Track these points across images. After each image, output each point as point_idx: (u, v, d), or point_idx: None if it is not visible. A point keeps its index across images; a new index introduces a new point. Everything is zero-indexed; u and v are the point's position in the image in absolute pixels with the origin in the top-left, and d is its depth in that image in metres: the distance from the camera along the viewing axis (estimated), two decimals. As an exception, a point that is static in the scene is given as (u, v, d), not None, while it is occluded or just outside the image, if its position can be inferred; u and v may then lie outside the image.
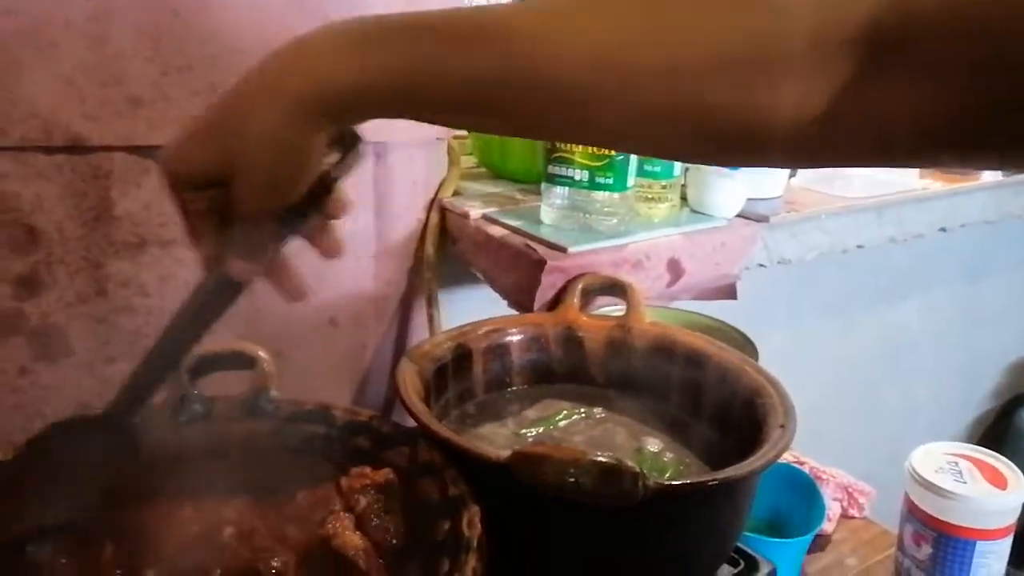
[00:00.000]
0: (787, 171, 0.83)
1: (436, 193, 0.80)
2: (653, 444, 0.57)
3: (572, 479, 0.38)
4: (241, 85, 0.39)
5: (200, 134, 0.39)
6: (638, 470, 0.38)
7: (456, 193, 0.81)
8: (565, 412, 0.61)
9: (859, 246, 0.86)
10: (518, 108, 0.36)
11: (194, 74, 0.64)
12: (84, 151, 0.61)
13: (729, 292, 0.81)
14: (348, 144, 0.41)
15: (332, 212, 0.43)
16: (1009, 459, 0.64)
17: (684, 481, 0.42)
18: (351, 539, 0.43)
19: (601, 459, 0.38)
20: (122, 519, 0.47)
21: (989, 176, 0.96)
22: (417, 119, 0.39)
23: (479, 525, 0.40)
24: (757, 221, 0.77)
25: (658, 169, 0.74)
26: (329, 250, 0.45)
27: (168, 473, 0.50)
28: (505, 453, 0.42)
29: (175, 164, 0.40)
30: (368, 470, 0.47)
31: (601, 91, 0.33)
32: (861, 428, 1.30)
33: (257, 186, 0.38)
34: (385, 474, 0.46)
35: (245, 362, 0.53)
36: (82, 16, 0.59)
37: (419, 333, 0.83)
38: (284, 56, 0.38)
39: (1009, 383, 1.59)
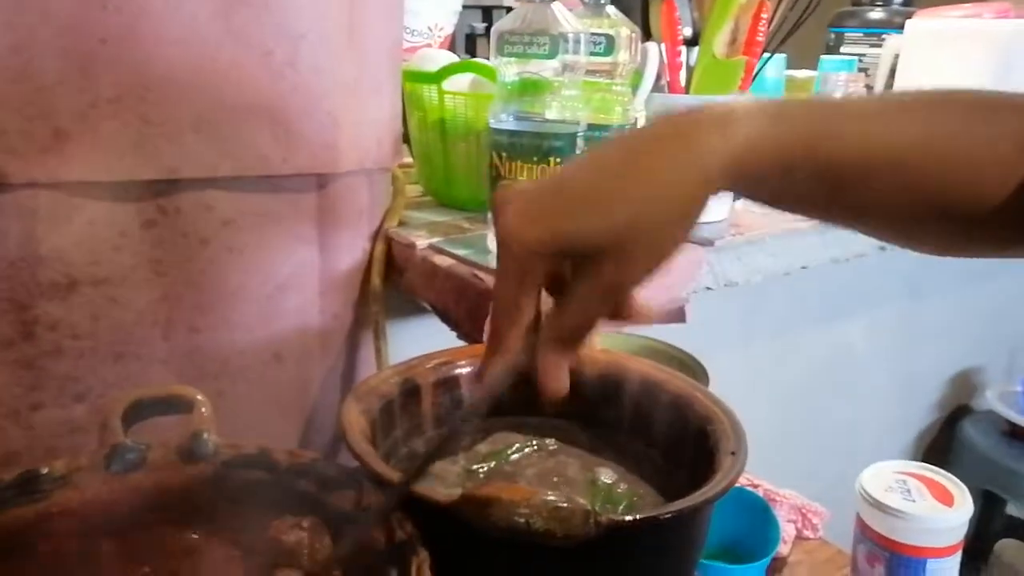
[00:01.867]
0: (731, 194, 0.84)
1: (381, 223, 0.78)
2: (607, 475, 0.56)
3: (523, 520, 0.37)
4: (640, 144, 0.38)
5: (578, 196, 0.37)
6: (589, 508, 0.37)
7: (402, 223, 0.80)
8: (517, 445, 0.60)
9: (803, 267, 0.87)
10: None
11: (125, 105, 0.61)
12: (6, 188, 0.58)
13: (679, 316, 0.81)
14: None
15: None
16: (954, 469, 0.65)
17: (635, 517, 0.41)
18: None
19: (551, 499, 0.37)
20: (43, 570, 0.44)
21: (924, 196, 0.99)
22: (802, 198, 0.40)
23: (428, 572, 0.39)
24: (702, 245, 0.78)
25: (604, 196, 0.74)
26: (643, 317, 0.42)
27: (102, 526, 0.48)
28: (453, 495, 0.41)
29: (537, 232, 0.36)
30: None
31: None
32: (811, 448, 1.31)
33: (652, 252, 0.36)
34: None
35: (182, 406, 0.51)
36: (4, 48, 0.56)
37: (367, 366, 0.81)
38: (690, 127, 0.37)
39: (951, 395, 1.64)
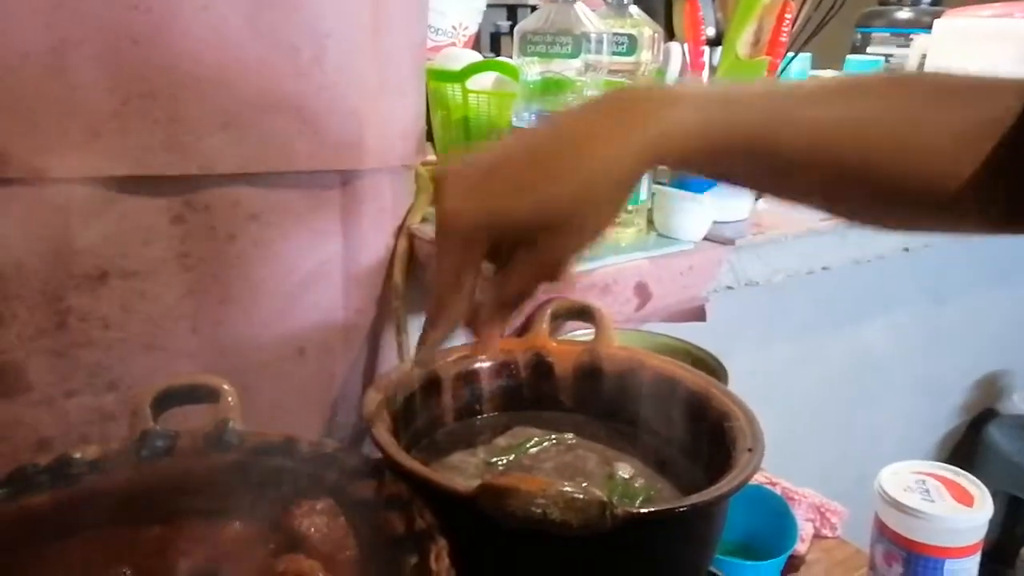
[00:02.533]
0: (753, 193, 0.84)
1: (404, 220, 0.79)
2: (624, 470, 0.57)
3: (539, 510, 0.38)
4: (574, 125, 0.39)
5: (513, 176, 0.38)
6: (606, 499, 0.38)
7: (425, 219, 0.81)
8: (536, 439, 0.61)
9: (824, 268, 0.87)
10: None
11: (155, 103, 0.63)
12: (42, 183, 0.60)
13: (698, 314, 0.81)
14: None
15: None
16: (980, 473, 0.65)
17: (652, 509, 0.42)
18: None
19: (568, 489, 0.38)
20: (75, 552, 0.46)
21: (949, 196, 0.98)
22: (733, 173, 0.41)
23: (447, 559, 0.39)
24: (723, 244, 0.78)
25: (625, 194, 0.74)
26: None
27: (131, 508, 0.49)
28: (472, 485, 0.42)
29: (471, 213, 0.38)
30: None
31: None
32: (831, 448, 1.31)
33: (587, 227, 0.38)
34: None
35: (208, 395, 0.52)
36: (41, 48, 0.58)
37: (389, 361, 0.82)
38: (629, 105, 0.38)
39: (976, 398, 1.61)
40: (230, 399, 0.51)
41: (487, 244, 0.39)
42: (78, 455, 0.49)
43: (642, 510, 0.41)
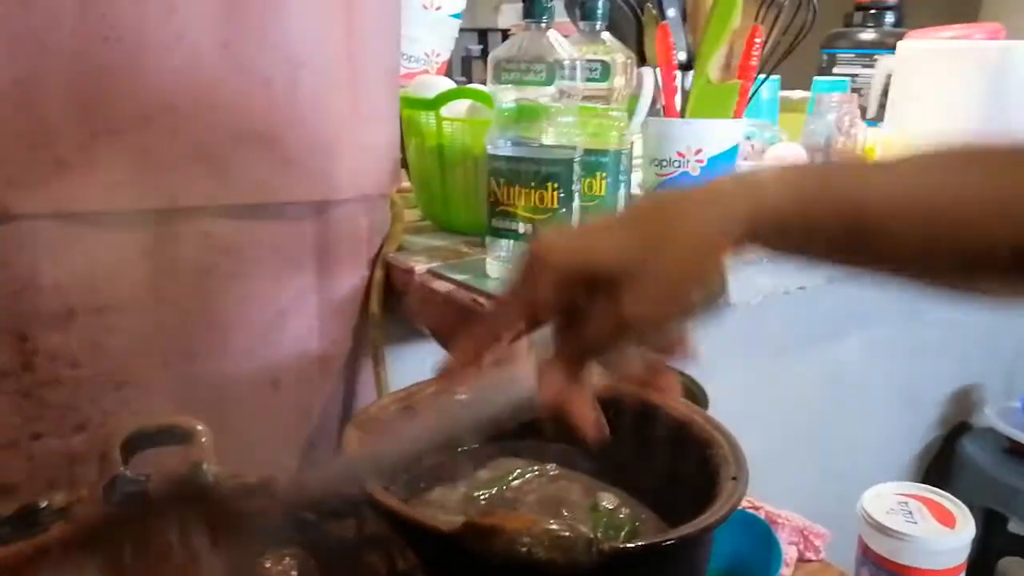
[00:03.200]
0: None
1: (380, 249, 0.79)
2: (608, 501, 0.56)
3: (524, 549, 0.37)
4: (672, 198, 0.40)
5: (609, 231, 0.39)
6: (591, 536, 0.37)
7: (400, 248, 0.80)
8: (518, 471, 0.60)
9: (801, 288, 0.88)
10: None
11: (126, 136, 0.62)
12: (8, 219, 0.59)
13: (677, 338, 0.81)
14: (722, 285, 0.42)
15: (667, 348, 0.43)
16: (955, 487, 0.65)
17: (637, 544, 0.41)
18: None
19: (553, 527, 0.37)
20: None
21: (919, 215, 0.99)
22: (830, 248, 0.41)
23: (430, 602, 0.38)
24: (701, 267, 0.78)
25: (601, 219, 0.74)
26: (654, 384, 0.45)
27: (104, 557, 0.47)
28: (455, 523, 0.41)
29: (566, 254, 0.39)
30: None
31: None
32: (812, 467, 1.31)
33: (662, 289, 0.38)
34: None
35: (181, 436, 0.51)
36: (5, 81, 0.57)
37: (366, 392, 0.81)
38: (726, 182, 0.40)
39: (950, 413, 1.63)
40: (204, 439, 0.50)
41: (561, 293, 0.39)
42: (44, 504, 0.47)
43: (628, 545, 0.40)
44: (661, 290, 0.38)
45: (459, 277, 0.72)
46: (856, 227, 0.39)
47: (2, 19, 0.56)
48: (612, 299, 0.38)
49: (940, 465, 1.61)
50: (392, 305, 0.78)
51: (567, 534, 0.37)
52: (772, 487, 0.83)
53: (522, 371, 0.41)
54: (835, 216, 0.39)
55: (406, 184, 0.90)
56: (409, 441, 0.45)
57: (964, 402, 1.64)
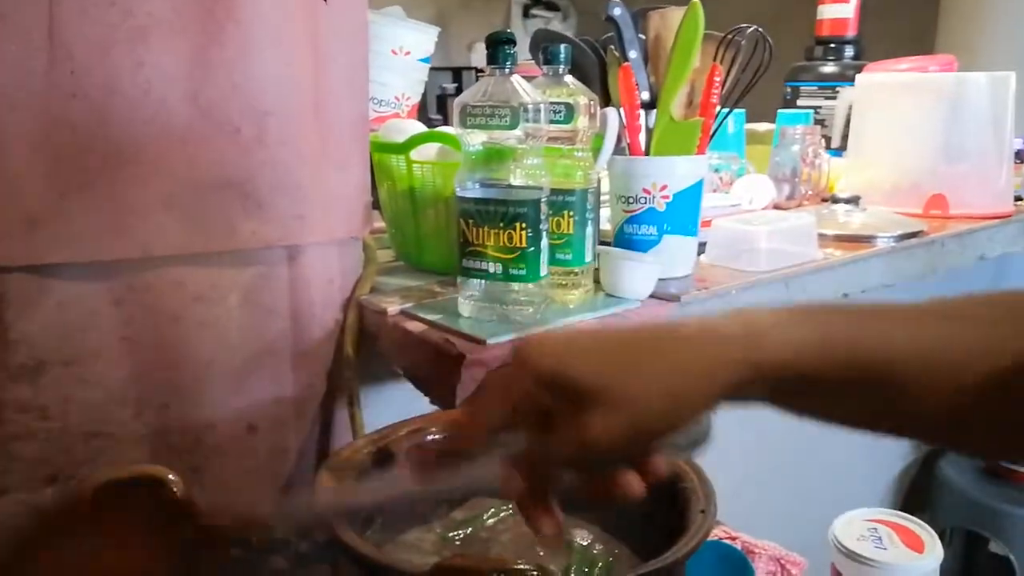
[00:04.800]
0: (694, 249, 0.86)
1: (353, 291, 0.79)
2: (582, 536, 0.56)
3: (494, 590, 0.37)
4: (667, 332, 0.39)
5: (595, 347, 0.39)
6: (557, 573, 0.38)
7: (374, 288, 0.81)
8: (493, 509, 0.60)
9: (770, 317, 0.89)
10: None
11: (96, 188, 0.62)
12: (-24, 274, 0.59)
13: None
14: (703, 430, 0.41)
15: (643, 471, 0.41)
16: (934, 510, 0.66)
17: (608, 581, 0.41)
18: None
19: (522, 567, 0.37)
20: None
21: (883, 243, 1.02)
22: (839, 401, 0.39)
23: (402, 647, 0.39)
24: (669, 300, 0.79)
25: (570, 256, 0.76)
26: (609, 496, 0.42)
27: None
28: (426, 566, 0.41)
29: (547, 359, 0.39)
30: None
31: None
32: (788, 494, 1.32)
33: (629, 423, 0.37)
34: None
35: (153, 485, 0.51)
36: (-26, 137, 0.57)
37: (342, 433, 0.81)
38: (725, 325, 0.38)
39: (927, 435, 1.65)
40: (176, 489, 0.50)
41: (538, 395, 0.39)
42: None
43: (598, 583, 0.41)
44: (628, 423, 0.37)
45: (431, 317, 0.72)
46: (870, 383, 0.37)
47: (-29, 78, 0.57)
48: (580, 417, 0.37)
49: (919, 489, 1.63)
50: (366, 346, 0.78)
51: (535, 573, 0.37)
52: (750, 514, 0.84)
53: (491, 461, 0.42)
54: (848, 366, 0.37)
55: (379, 224, 0.91)
56: (372, 495, 0.45)
57: (939, 424, 1.66)
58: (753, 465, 1.20)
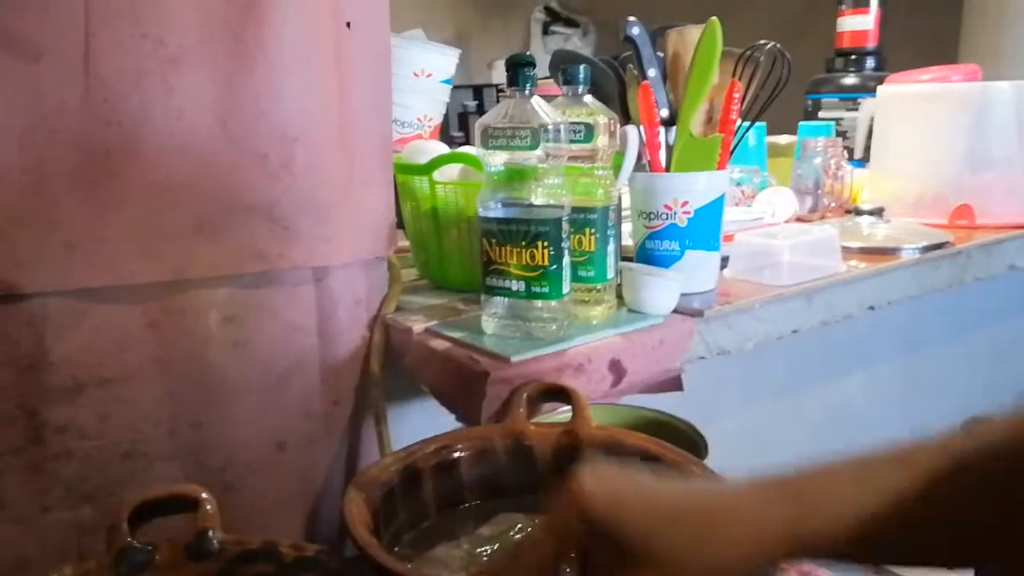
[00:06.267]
0: (717, 264, 0.87)
1: (379, 310, 0.81)
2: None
3: (521, 606, 0.38)
4: (721, 500, 0.40)
5: (648, 501, 0.39)
6: (586, 591, 0.38)
7: (399, 307, 0.82)
8: (520, 525, 0.60)
9: (794, 331, 0.89)
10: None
11: (130, 212, 0.64)
12: (16, 299, 0.61)
13: (675, 384, 0.82)
14: None
15: None
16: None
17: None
18: None
19: (548, 583, 0.38)
20: None
21: (908, 255, 1.01)
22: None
23: (432, 662, 0.39)
24: (692, 316, 0.80)
25: (592, 273, 0.76)
26: None
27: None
28: (454, 582, 0.42)
29: (599, 507, 0.39)
30: None
31: None
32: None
33: None
34: None
35: (187, 505, 0.52)
36: (15, 168, 0.59)
37: (370, 450, 0.82)
38: (778, 491, 0.39)
39: (958, 447, 1.62)
40: (209, 507, 0.51)
41: (590, 538, 0.40)
42: (55, 576, 0.48)
43: (623, 598, 0.41)
44: None
45: (456, 335, 0.73)
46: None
47: (16, 111, 0.59)
48: (625, 571, 0.38)
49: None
50: (392, 364, 0.79)
51: (562, 589, 0.38)
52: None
53: None
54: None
55: (404, 243, 0.93)
56: None
57: (971, 436, 1.63)
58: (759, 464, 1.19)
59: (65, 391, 0.64)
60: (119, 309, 0.66)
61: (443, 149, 0.87)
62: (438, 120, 1.10)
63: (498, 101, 1.70)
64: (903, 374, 1.44)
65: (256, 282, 0.71)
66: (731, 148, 0.84)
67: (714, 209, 0.83)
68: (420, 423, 0.79)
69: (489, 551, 0.58)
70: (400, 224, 0.89)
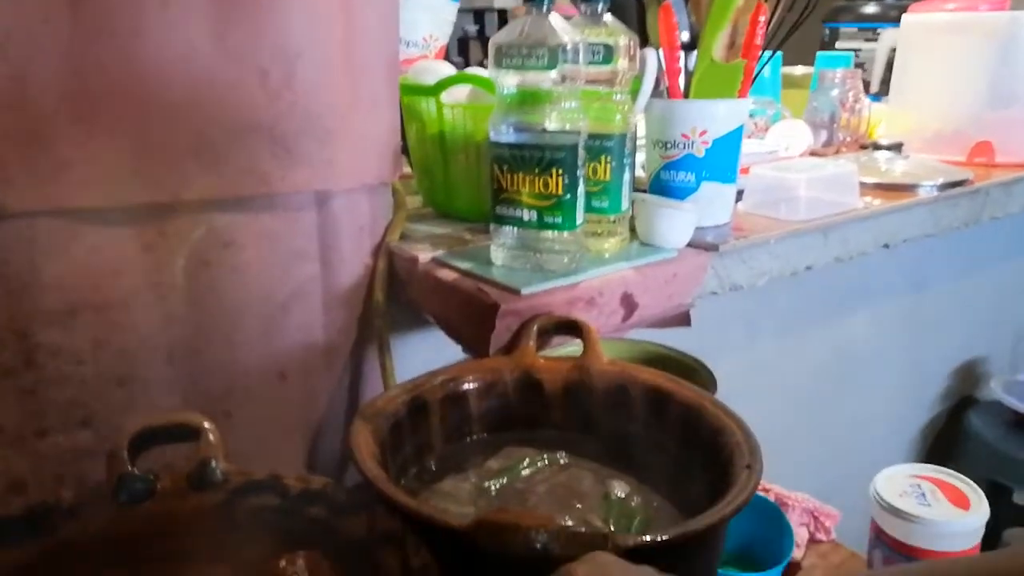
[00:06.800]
0: (733, 197, 0.84)
1: (383, 238, 0.78)
2: (620, 489, 0.56)
3: (540, 547, 0.37)
4: None
5: None
6: (607, 532, 0.37)
7: (403, 236, 0.80)
8: (528, 460, 0.59)
9: (808, 267, 0.87)
10: None
11: (123, 131, 0.61)
12: (5, 219, 0.58)
13: (683, 320, 0.80)
14: None
15: None
16: (961, 460, 0.65)
17: (654, 539, 0.40)
18: None
19: (569, 525, 0.37)
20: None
21: (925, 193, 0.98)
22: None
23: (445, 600, 0.38)
24: (706, 250, 0.77)
25: (606, 204, 0.73)
26: None
27: (108, 557, 0.47)
28: (468, 519, 0.40)
29: None
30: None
31: None
32: (818, 446, 1.31)
33: None
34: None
35: (188, 433, 0.50)
36: (1, 77, 0.56)
37: (372, 382, 0.81)
38: None
39: (955, 387, 1.63)
40: (211, 437, 0.50)
41: None
42: (53, 503, 0.47)
43: (645, 538, 0.40)
44: None
45: (464, 265, 0.71)
46: None
47: (-7, 13, 0.55)
48: None
49: (945, 439, 1.62)
50: (396, 294, 0.77)
51: (584, 531, 0.37)
52: (780, 464, 0.83)
53: None
54: None
55: (407, 171, 0.89)
56: None
57: (970, 376, 1.64)
58: (782, 418, 1.19)
59: (58, 314, 0.62)
60: (113, 232, 0.63)
61: (451, 70, 0.83)
62: (443, 41, 1.04)
63: (500, 27, 1.63)
64: (908, 314, 1.43)
65: (256, 206, 0.68)
66: (754, 75, 0.80)
67: (733, 139, 0.79)
68: (423, 354, 0.78)
69: (497, 485, 0.57)
70: (404, 151, 0.86)
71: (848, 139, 1.25)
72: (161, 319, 0.67)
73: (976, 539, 0.59)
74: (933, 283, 1.43)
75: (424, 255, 0.74)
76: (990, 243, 1.48)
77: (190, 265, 0.67)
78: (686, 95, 0.79)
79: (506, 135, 0.66)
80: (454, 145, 0.80)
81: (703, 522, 0.42)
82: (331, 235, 0.73)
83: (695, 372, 0.76)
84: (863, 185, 0.97)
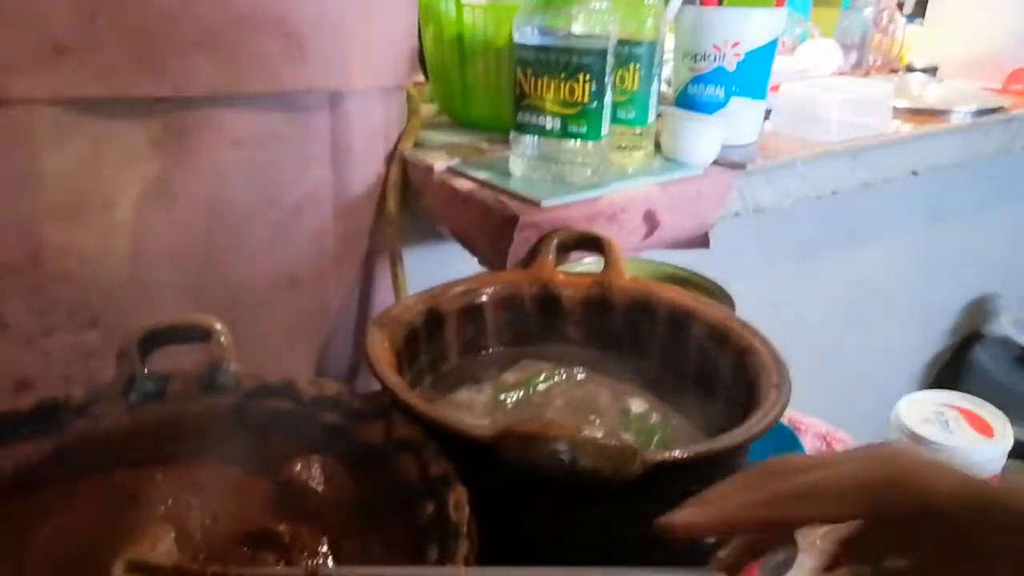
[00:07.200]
0: (762, 115, 0.80)
1: (396, 145, 0.75)
2: (638, 405, 0.55)
3: (567, 458, 0.35)
4: None
5: None
6: (636, 447, 0.36)
7: (417, 144, 0.77)
8: (545, 374, 0.58)
9: (834, 192, 0.84)
10: None
11: (126, 17, 0.57)
12: (3, 104, 0.55)
13: (702, 241, 0.78)
14: None
15: None
16: (965, 393, 0.63)
17: (684, 454, 0.39)
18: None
19: (598, 437, 0.35)
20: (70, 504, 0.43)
21: (959, 119, 0.95)
22: None
23: (467, 507, 0.37)
24: (733, 168, 0.74)
25: (633, 115, 0.70)
26: None
27: (118, 457, 0.46)
28: (490, 429, 0.39)
29: None
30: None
31: None
32: (828, 374, 1.31)
33: None
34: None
35: (199, 334, 0.49)
36: (-8, -47, 0.52)
37: (383, 292, 0.79)
38: None
39: (964, 322, 1.62)
40: (223, 339, 0.48)
41: None
42: (63, 400, 0.46)
43: (675, 454, 0.39)
44: None
45: (481, 175, 0.68)
46: None
47: None
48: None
49: (951, 373, 1.62)
50: (409, 204, 0.75)
51: (613, 444, 0.35)
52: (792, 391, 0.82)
53: None
54: None
55: (420, 77, 0.86)
56: None
57: (978, 311, 1.63)
58: (793, 344, 1.18)
59: (62, 211, 0.59)
60: (117, 124, 0.60)
61: (472, -33, 0.78)
62: (462, -62, 0.99)
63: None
64: (922, 247, 1.41)
65: (266, 104, 0.65)
66: (792, -17, 0.75)
67: (766, 53, 0.75)
68: (436, 265, 0.76)
69: (513, 398, 0.56)
70: (419, 55, 0.82)
71: (878, 62, 1.20)
72: (168, 220, 0.64)
73: (998, 466, 0.59)
74: (951, 215, 1.40)
75: (439, 164, 0.72)
76: (1012, 178, 1.44)
77: (198, 164, 0.64)
78: (720, 2, 0.75)
79: (531, 37, 0.63)
80: (473, 49, 0.76)
81: (736, 439, 0.41)
82: (343, 139, 0.70)
83: (713, 296, 0.75)
84: (894, 109, 0.93)
